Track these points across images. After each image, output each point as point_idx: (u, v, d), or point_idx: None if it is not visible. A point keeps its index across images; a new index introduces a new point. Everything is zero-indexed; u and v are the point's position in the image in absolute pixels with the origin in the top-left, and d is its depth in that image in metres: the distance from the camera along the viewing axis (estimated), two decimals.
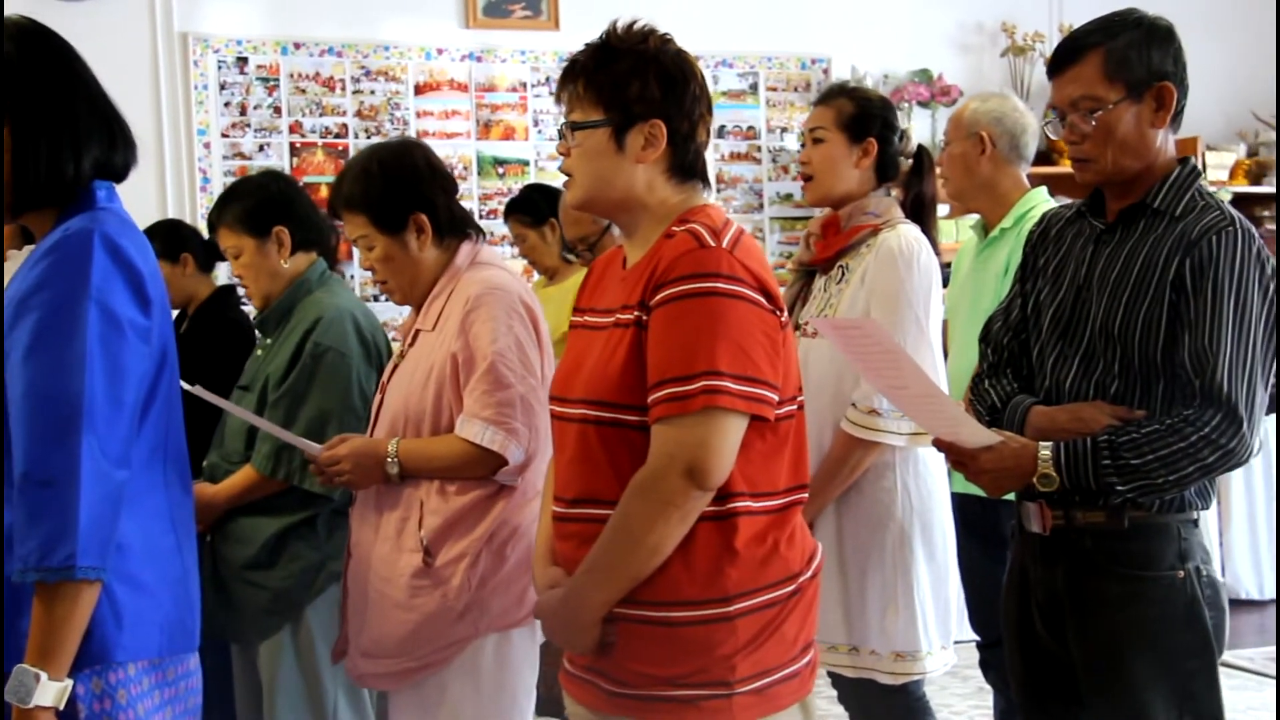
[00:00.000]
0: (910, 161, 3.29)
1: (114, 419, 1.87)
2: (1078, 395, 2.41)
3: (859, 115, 3.19)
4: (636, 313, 2.04)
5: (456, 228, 2.87)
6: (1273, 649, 5.51)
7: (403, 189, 2.82)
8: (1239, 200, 6.46)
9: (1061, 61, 2.43)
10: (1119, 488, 2.28)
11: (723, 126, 6.05)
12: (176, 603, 2.01)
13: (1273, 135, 6.48)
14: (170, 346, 2.04)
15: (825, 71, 6.22)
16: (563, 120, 2.16)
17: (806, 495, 2.15)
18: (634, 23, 2.15)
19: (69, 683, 1.85)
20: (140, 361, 1.93)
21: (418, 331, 2.83)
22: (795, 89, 6.19)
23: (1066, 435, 2.33)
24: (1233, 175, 6.47)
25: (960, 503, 3.37)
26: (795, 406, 2.11)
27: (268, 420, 3.03)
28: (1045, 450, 2.32)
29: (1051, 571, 2.44)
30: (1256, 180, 6.50)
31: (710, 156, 6.05)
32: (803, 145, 3.28)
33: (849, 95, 3.23)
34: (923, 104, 6.21)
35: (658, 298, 2.00)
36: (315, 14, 5.47)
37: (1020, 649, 2.55)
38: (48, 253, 1.92)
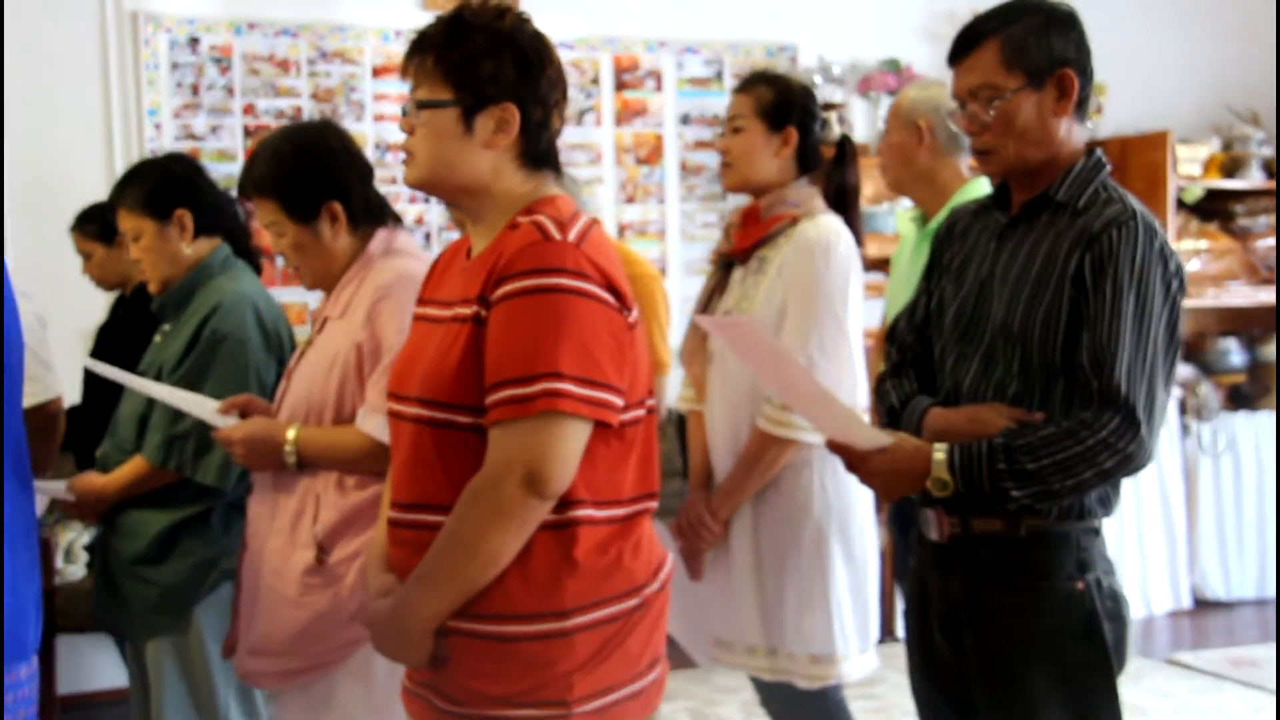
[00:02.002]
0: (835, 150, 3.18)
1: None
2: (977, 396, 2.30)
3: (778, 103, 3.08)
4: (475, 307, 1.92)
5: (371, 215, 2.76)
6: (1237, 650, 5.42)
7: (316, 175, 2.69)
8: (1214, 195, 6.33)
9: (960, 49, 2.32)
10: (1014, 493, 2.17)
11: (687, 114, 5.93)
12: (2, 609, 1.88)
13: (1247, 129, 6.33)
14: (6, 336, 1.91)
15: (792, 60, 6.08)
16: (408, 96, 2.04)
17: (655, 504, 2.04)
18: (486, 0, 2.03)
19: None
20: None
21: (326, 318, 2.73)
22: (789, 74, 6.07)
23: (963, 438, 2.22)
24: (1206, 169, 6.33)
25: (897, 503, 3.27)
26: (644, 411, 2.00)
27: (157, 412, 2.92)
28: (939, 453, 2.21)
29: (948, 581, 2.34)
30: (1230, 174, 6.36)
31: (674, 144, 5.97)
32: (722, 133, 3.17)
33: (769, 82, 3.13)
34: (891, 94, 6.06)
35: (498, 293, 1.89)
36: None
37: (920, 659, 2.45)
38: None
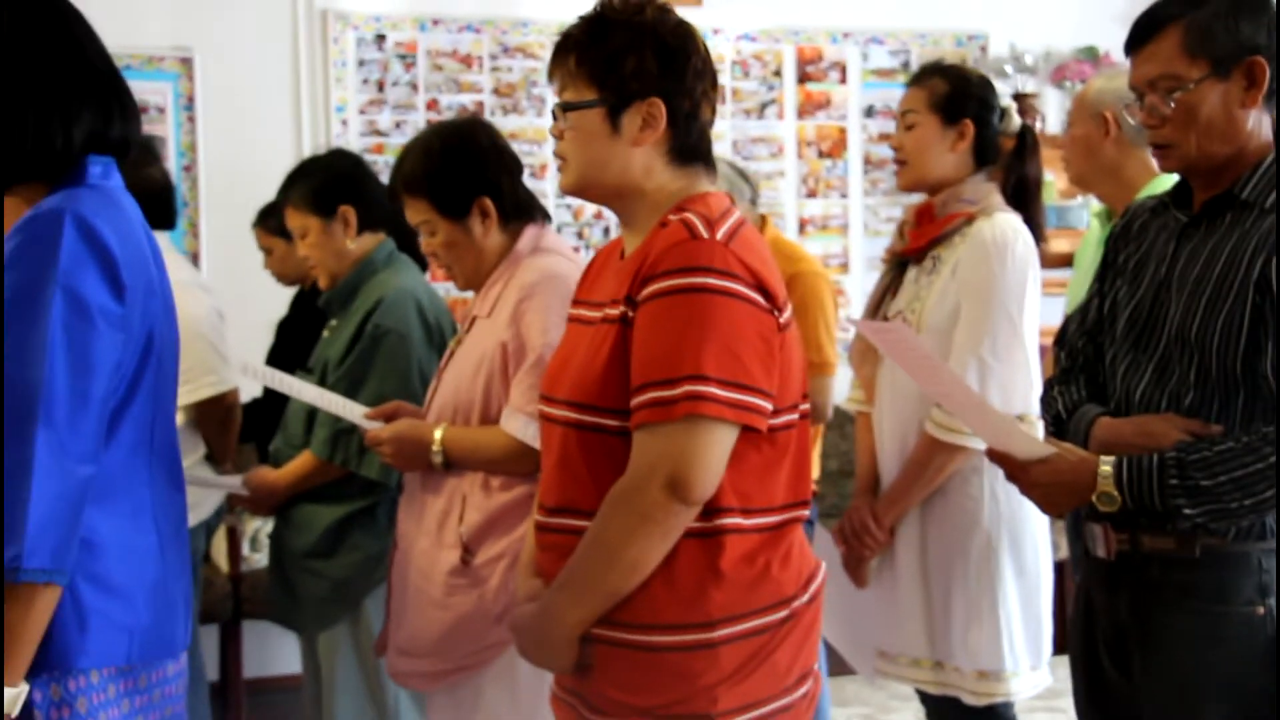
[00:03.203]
0: (1014, 142, 3.05)
1: (77, 412, 1.77)
2: (1149, 406, 2.16)
3: (953, 95, 2.97)
4: (623, 308, 1.88)
5: (522, 211, 2.75)
6: None
7: (466, 172, 2.70)
8: None
9: (1138, 37, 2.19)
10: (1187, 511, 2.03)
11: (871, 106, 5.80)
12: (153, 606, 1.90)
13: None
14: (160, 334, 1.94)
15: (983, 49, 5.91)
16: (555, 100, 2.01)
17: (807, 512, 1.98)
18: None
19: (24, 688, 1.76)
20: (112, 351, 1.82)
21: (475, 318, 2.73)
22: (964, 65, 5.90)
23: (1132, 450, 2.10)
24: None
25: (1076, 512, 3.13)
26: (797, 416, 1.94)
27: (319, 400, 2.96)
28: (1106, 466, 2.09)
29: (1115, 600, 2.21)
30: None
31: (858, 137, 5.85)
32: (896, 129, 3.07)
33: (943, 74, 3.02)
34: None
35: (644, 293, 1.85)
36: None
37: (1085, 682, 2.33)
38: (16, 232, 1.82)
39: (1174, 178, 3.42)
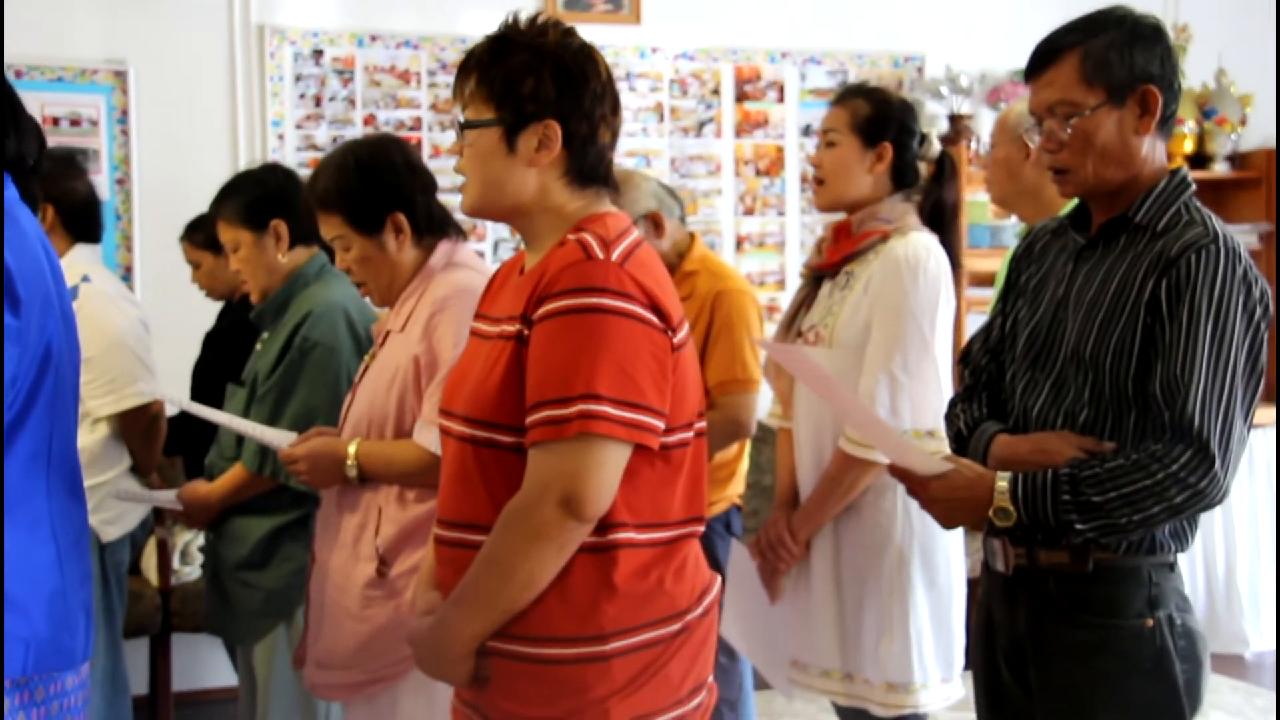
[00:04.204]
0: (934, 168, 3.11)
1: None
2: (1046, 424, 2.22)
3: (874, 118, 3.02)
4: (519, 325, 1.91)
5: (435, 227, 2.78)
6: None
7: (380, 188, 2.72)
8: None
9: (1037, 63, 2.24)
10: (1079, 526, 2.08)
11: (809, 125, 5.86)
12: (51, 618, 1.91)
13: None
14: (58, 346, 1.95)
15: (919, 70, 5.98)
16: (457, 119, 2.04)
17: (701, 527, 2.00)
18: (536, 16, 2.01)
19: None
20: (7, 365, 1.84)
21: (389, 332, 2.75)
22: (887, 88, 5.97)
23: (1029, 467, 2.14)
24: None
25: None
26: (692, 434, 1.97)
27: (253, 415, 2.99)
28: (1002, 481, 2.13)
29: (1014, 614, 2.26)
30: None
31: (795, 155, 5.91)
32: (816, 148, 3.11)
33: (866, 96, 3.07)
34: None
35: (540, 312, 1.87)
36: (392, 6, 5.41)
37: (986, 694, 2.37)
38: None
39: None
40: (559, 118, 1.96)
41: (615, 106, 2.02)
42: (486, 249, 5.51)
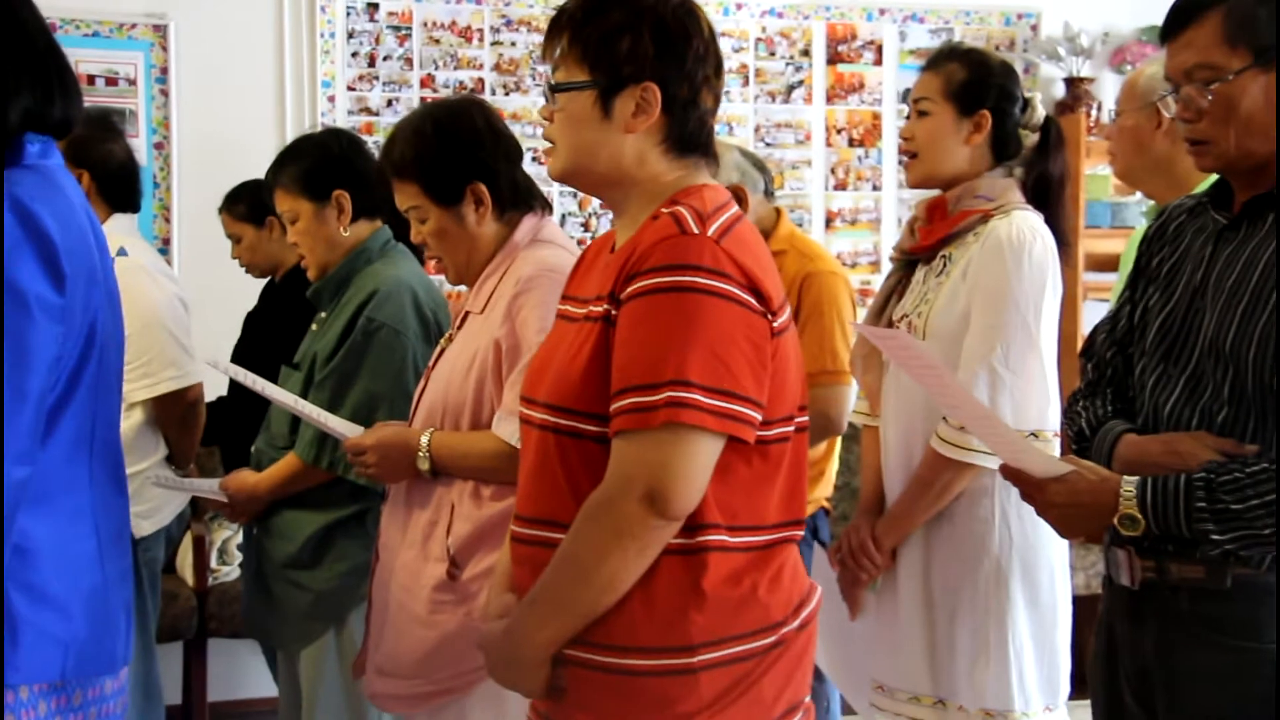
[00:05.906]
0: (1037, 137, 3.08)
1: (13, 409, 1.81)
2: (1179, 423, 2.19)
3: (971, 83, 3.00)
4: (606, 306, 1.92)
5: (519, 200, 2.79)
6: None
7: (460, 155, 2.73)
8: None
9: (1174, 24, 2.21)
10: (1215, 536, 2.06)
11: (908, 90, 5.81)
12: (91, 618, 1.95)
13: None
14: (103, 326, 1.98)
15: (1034, 28, 5.95)
16: (547, 80, 2.05)
17: (801, 532, 2.01)
18: None
19: None
20: (51, 344, 1.87)
21: (467, 313, 2.76)
22: (998, 48, 5.91)
23: (1159, 470, 2.12)
24: None
25: None
26: (793, 428, 1.97)
27: (310, 402, 3.00)
28: (1129, 486, 2.12)
29: (1140, 633, 2.24)
30: None
31: (893, 124, 5.88)
32: (908, 117, 3.10)
33: (961, 59, 3.04)
34: None
35: (628, 290, 1.88)
36: None
37: None
38: None
39: None
40: (658, 80, 1.97)
41: (719, 68, 2.03)
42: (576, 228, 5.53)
